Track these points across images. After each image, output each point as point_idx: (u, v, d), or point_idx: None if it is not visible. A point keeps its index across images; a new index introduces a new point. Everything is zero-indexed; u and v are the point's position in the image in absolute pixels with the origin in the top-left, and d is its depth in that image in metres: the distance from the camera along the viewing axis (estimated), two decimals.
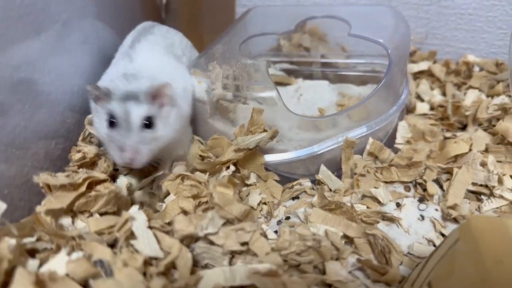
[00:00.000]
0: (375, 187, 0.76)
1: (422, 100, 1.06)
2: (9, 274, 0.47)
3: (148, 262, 0.53)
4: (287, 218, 0.73)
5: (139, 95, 0.67)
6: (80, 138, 0.79)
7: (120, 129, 0.66)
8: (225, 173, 0.74)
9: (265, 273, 0.51)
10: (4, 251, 0.49)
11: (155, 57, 0.82)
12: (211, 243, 0.57)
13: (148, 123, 0.67)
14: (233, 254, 0.57)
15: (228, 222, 0.60)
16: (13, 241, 0.51)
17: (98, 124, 0.70)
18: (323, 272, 0.59)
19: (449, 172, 0.79)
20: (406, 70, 0.93)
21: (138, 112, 0.66)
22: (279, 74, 1.16)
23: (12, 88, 0.67)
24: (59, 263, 0.50)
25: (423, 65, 1.16)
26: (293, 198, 0.78)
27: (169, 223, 0.63)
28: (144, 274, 0.51)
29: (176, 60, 0.87)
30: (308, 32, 1.16)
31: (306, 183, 0.80)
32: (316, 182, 0.80)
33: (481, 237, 0.44)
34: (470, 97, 1.01)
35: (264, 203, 0.76)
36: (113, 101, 0.67)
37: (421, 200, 0.76)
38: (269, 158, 0.80)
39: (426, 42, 1.25)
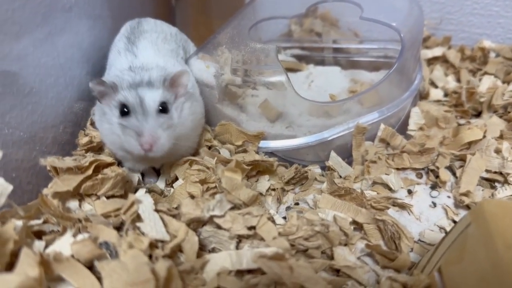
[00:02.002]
0: (386, 174, 0.74)
1: (436, 87, 1.04)
2: (15, 255, 0.47)
3: (154, 244, 0.52)
4: (296, 204, 0.72)
5: (153, 81, 0.66)
6: (88, 123, 0.79)
7: (135, 114, 0.63)
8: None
9: (272, 256, 0.51)
10: (10, 232, 0.49)
11: (160, 53, 0.79)
12: (218, 227, 0.57)
13: (164, 109, 0.65)
14: (240, 238, 0.57)
15: (235, 207, 0.59)
16: (19, 223, 0.51)
17: (107, 128, 0.67)
18: (331, 257, 0.58)
19: (463, 159, 0.77)
20: (420, 55, 0.91)
21: (153, 96, 0.64)
22: (290, 60, 1.14)
23: (18, 71, 0.67)
24: (64, 245, 0.51)
25: (437, 51, 1.13)
26: (302, 185, 0.77)
27: (177, 207, 0.62)
28: (150, 256, 0.51)
29: (176, 54, 0.84)
30: (320, 17, 1.14)
31: (316, 170, 0.79)
32: (326, 169, 0.79)
33: (493, 221, 0.42)
34: (485, 84, 0.98)
35: (273, 189, 0.75)
36: (122, 90, 0.65)
37: (433, 187, 0.74)
38: (278, 144, 0.79)
39: (440, 28, 1.22)
